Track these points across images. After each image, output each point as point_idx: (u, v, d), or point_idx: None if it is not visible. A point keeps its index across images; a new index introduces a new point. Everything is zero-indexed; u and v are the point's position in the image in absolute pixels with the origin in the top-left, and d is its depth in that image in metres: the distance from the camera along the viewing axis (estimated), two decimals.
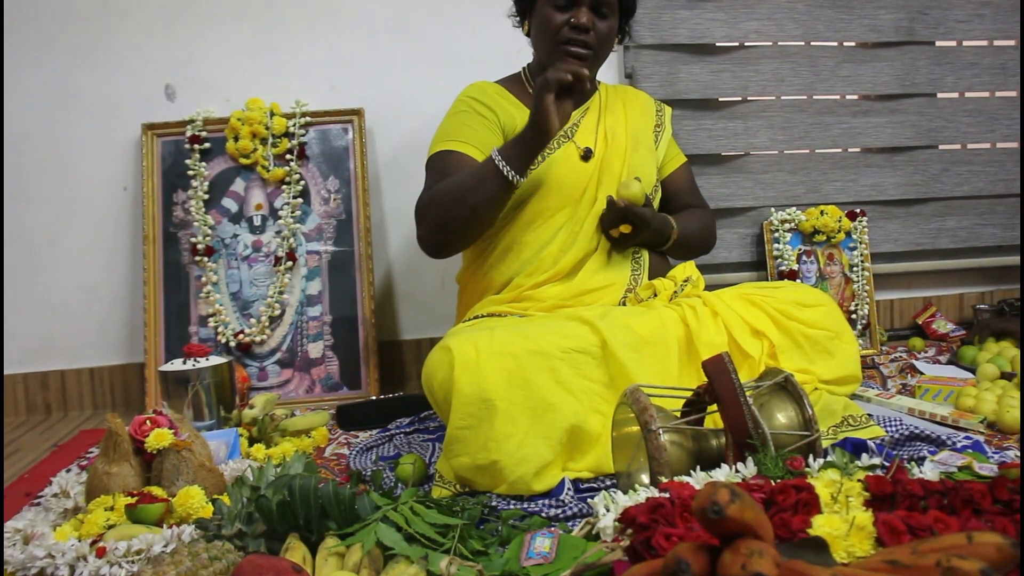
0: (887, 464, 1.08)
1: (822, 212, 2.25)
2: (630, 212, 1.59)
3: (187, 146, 2.10)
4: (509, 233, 1.67)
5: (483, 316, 1.63)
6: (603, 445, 1.33)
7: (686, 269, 1.70)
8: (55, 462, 1.67)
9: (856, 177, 2.38)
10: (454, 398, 1.29)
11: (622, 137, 1.74)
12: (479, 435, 1.28)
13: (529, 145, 1.49)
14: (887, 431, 1.43)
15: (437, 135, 1.71)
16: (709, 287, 1.69)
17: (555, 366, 1.34)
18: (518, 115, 1.69)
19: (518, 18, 1.77)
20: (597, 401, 1.36)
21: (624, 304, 1.63)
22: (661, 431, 1.13)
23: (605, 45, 1.66)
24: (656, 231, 1.66)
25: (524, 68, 1.81)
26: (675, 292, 1.64)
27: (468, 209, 1.52)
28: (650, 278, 1.69)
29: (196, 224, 2.07)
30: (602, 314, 1.45)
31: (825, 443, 1.28)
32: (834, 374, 1.52)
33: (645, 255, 1.72)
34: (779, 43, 2.31)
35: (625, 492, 1.08)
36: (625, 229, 1.63)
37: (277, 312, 2.08)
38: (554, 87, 1.44)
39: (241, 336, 2.05)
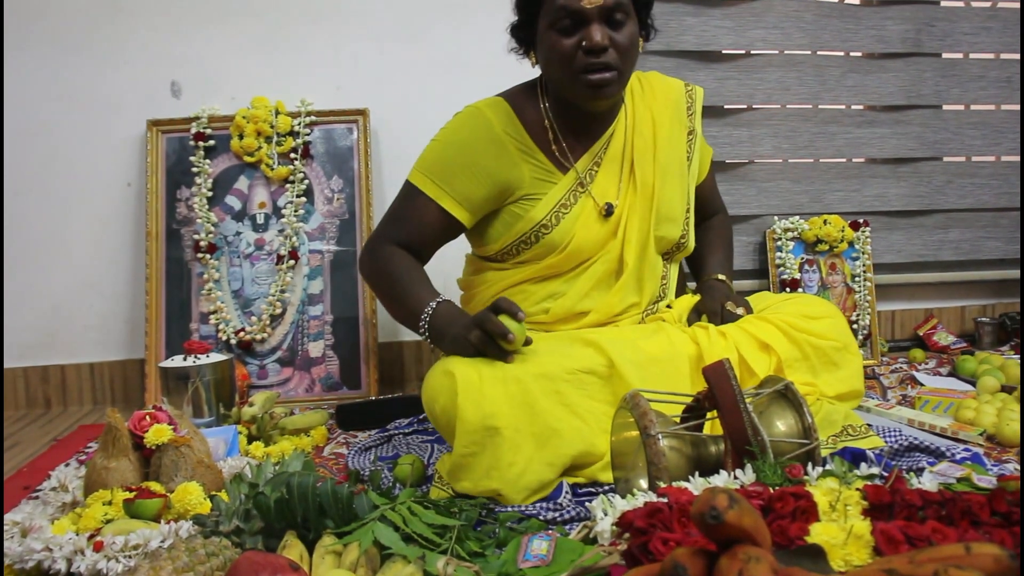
0: (886, 474, 1.08)
1: (825, 221, 2.25)
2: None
3: (192, 143, 2.10)
4: (516, 279, 1.58)
5: None
6: (607, 459, 1.33)
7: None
8: (54, 456, 1.67)
9: (860, 187, 2.38)
10: (458, 425, 1.26)
11: (649, 174, 1.55)
12: (482, 462, 1.25)
13: (451, 343, 1.37)
14: (886, 441, 1.43)
15: (425, 156, 1.53)
16: None
17: (561, 389, 1.32)
18: (523, 162, 1.50)
19: (521, 51, 1.55)
20: (605, 422, 1.33)
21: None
22: (660, 436, 1.13)
23: (628, 58, 1.43)
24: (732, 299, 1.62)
25: (540, 83, 1.56)
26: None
27: (389, 302, 1.56)
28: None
29: (199, 221, 2.08)
30: (608, 335, 1.43)
31: (824, 452, 1.28)
32: (838, 389, 1.50)
33: (670, 293, 1.66)
34: (785, 52, 2.31)
35: (623, 496, 1.08)
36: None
37: (278, 310, 2.08)
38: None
39: (242, 334, 2.05)
